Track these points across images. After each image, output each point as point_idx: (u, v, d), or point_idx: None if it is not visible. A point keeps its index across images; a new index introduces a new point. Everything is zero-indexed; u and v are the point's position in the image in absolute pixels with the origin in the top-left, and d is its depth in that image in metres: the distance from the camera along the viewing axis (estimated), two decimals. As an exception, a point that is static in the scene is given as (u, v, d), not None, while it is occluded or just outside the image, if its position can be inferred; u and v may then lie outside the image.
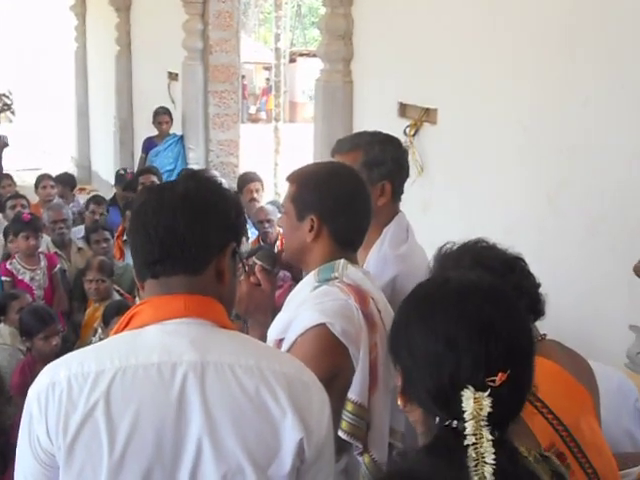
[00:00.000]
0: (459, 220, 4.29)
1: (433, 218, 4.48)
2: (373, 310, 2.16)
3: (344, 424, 2.08)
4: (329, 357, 2.04)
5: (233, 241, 1.64)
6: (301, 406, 1.52)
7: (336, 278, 2.17)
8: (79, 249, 6.16)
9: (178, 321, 1.55)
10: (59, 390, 1.49)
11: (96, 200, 7.07)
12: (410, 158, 4.45)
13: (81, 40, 13.00)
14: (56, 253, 5.91)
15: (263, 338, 2.20)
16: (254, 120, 27.70)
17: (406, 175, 2.79)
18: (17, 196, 6.96)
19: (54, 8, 15.50)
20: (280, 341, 2.14)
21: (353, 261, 2.27)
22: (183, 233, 1.56)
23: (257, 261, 2.37)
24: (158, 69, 9.40)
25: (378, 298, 2.22)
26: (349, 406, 2.07)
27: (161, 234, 1.57)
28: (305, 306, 2.14)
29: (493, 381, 1.31)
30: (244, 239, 2.14)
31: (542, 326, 2.09)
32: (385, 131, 2.88)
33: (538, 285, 2.05)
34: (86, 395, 1.47)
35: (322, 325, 2.05)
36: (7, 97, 23.63)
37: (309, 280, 2.24)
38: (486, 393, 1.30)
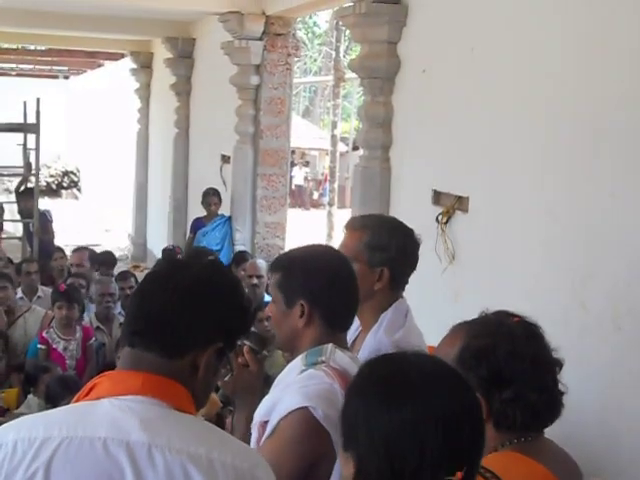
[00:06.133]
0: (490, 309, 4.22)
1: (464, 307, 4.42)
2: None
3: None
4: (310, 441, 1.99)
5: (220, 342, 1.61)
6: None
7: (323, 362, 2.15)
8: (120, 324, 6.24)
9: (132, 398, 1.51)
10: (4, 453, 1.47)
11: (122, 276, 7.07)
12: (442, 246, 4.51)
13: (144, 122, 13.46)
14: (98, 327, 6.01)
15: (249, 419, 2.18)
16: (315, 205, 27.89)
17: (411, 267, 2.74)
18: (77, 275, 6.96)
19: (120, 91, 16.09)
20: (265, 423, 2.11)
21: (342, 343, 2.26)
22: (171, 315, 1.56)
23: (245, 342, 2.34)
24: (212, 152, 9.65)
25: None
26: None
27: (152, 308, 1.58)
28: (290, 389, 2.11)
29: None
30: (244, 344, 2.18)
31: (564, 420, 2.03)
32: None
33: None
34: (28, 461, 1.44)
35: (304, 409, 2.02)
36: (75, 174, 24.52)
37: (296, 363, 2.23)
38: None
